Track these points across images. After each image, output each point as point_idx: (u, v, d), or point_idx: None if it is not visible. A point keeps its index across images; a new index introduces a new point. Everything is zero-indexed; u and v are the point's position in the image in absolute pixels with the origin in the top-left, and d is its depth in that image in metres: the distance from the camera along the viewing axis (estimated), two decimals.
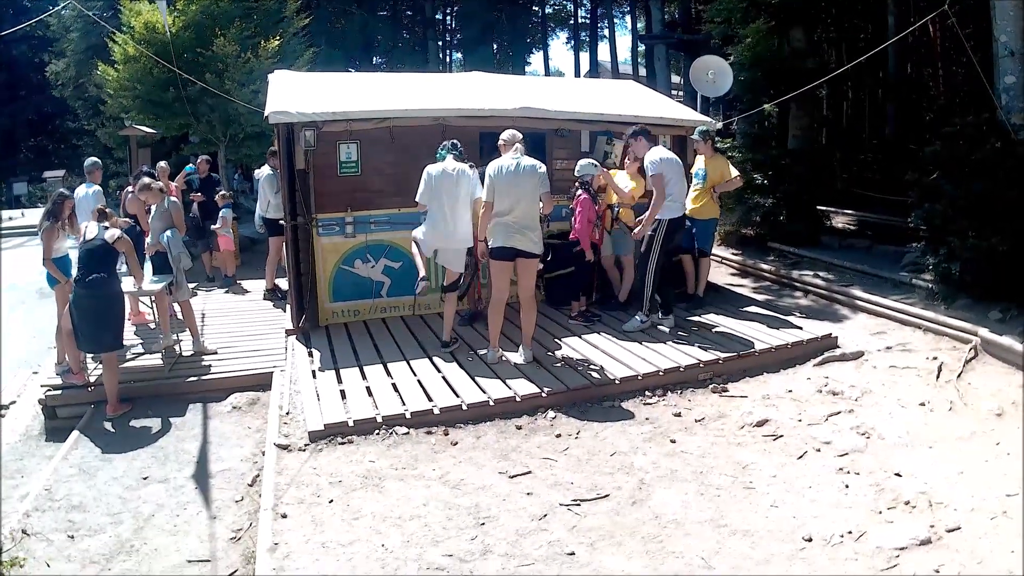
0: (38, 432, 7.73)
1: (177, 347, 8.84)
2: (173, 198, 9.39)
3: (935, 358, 8.01)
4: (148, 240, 9.10)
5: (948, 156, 9.75)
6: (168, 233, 8.82)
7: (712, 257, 13.66)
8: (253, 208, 12.42)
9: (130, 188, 10.30)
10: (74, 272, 7.74)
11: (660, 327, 8.80)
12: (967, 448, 6.06)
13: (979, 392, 7.18)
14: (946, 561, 4.57)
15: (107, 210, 8.19)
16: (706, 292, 10.07)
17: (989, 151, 9.16)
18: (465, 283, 8.68)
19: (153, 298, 8.97)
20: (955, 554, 4.64)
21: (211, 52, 16.83)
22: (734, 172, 9.49)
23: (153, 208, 9.04)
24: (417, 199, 7.82)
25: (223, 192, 12.65)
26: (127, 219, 8.80)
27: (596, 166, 8.80)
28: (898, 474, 5.66)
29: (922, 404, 6.95)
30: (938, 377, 7.57)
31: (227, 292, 12.26)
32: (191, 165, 13.51)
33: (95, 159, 10.46)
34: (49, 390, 7.94)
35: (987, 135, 9.43)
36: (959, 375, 7.56)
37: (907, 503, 5.25)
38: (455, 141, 8.00)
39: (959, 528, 4.91)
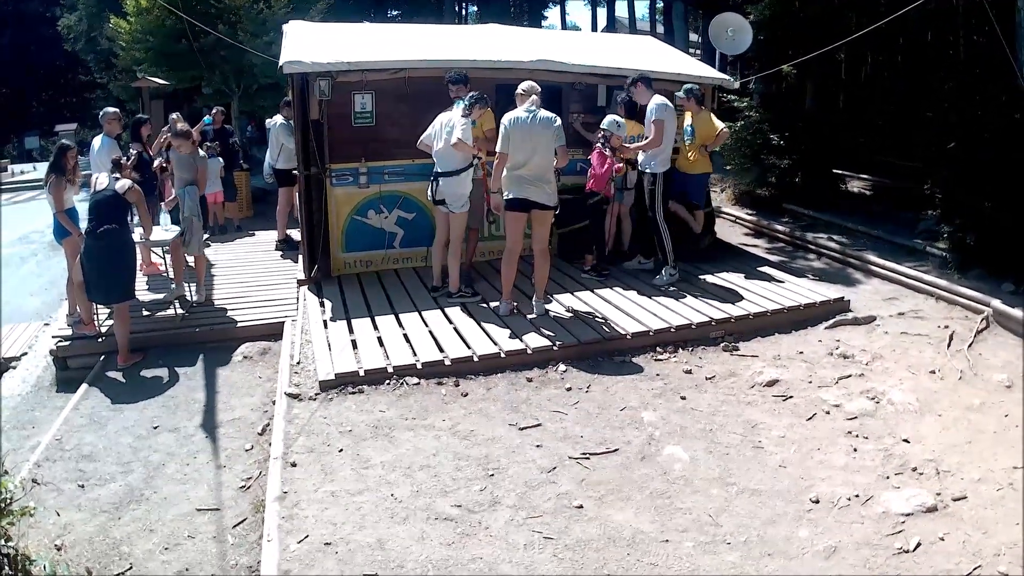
0: (49, 383, 7.78)
1: (189, 296, 8.85)
2: (203, 153, 9.33)
3: (947, 327, 7.97)
4: (173, 189, 9.06)
5: (966, 125, 9.65)
6: (188, 189, 8.80)
7: (726, 216, 13.68)
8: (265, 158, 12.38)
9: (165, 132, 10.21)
10: (84, 223, 7.72)
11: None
12: (976, 418, 6.04)
13: (989, 363, 7.15)
14: (951, 529, 4.58)
15: (122, 160, 8.15)
16: (719, 251, 10.06)
17: (1008, 122, 9.06)
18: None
19: (167, 248, 8.96)
20: (960, 523, 4.66)
21: (224, 2, 16.71)
22: (720, 125, 9.42)
23: (176, 156, 8.96)
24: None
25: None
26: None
27: (620, 125, 8.72)
28: (906, 440, 5.66)
29: (932, 372, 6.93)
30: (949, 346, 7.52)
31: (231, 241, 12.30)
32: (208, 117, 13.44)
33: (111, 108, 10.14)
34: (60, 341, 7.96)
35: (1008, 105, 9.31)
36: (970, 345, 7.52)
37: (914, 470, 5.26)
38: (475, 93, 7.87)
39: (965, 497, 4.91)
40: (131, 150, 9.64)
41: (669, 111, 8.60)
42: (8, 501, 4.05)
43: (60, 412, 6.79)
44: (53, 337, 8.12)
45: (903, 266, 9.80)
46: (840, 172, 14.65)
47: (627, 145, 8.80)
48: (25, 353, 8.54)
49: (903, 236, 11.02)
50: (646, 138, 8.71)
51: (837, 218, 12.47)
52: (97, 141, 9.56)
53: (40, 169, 23.70)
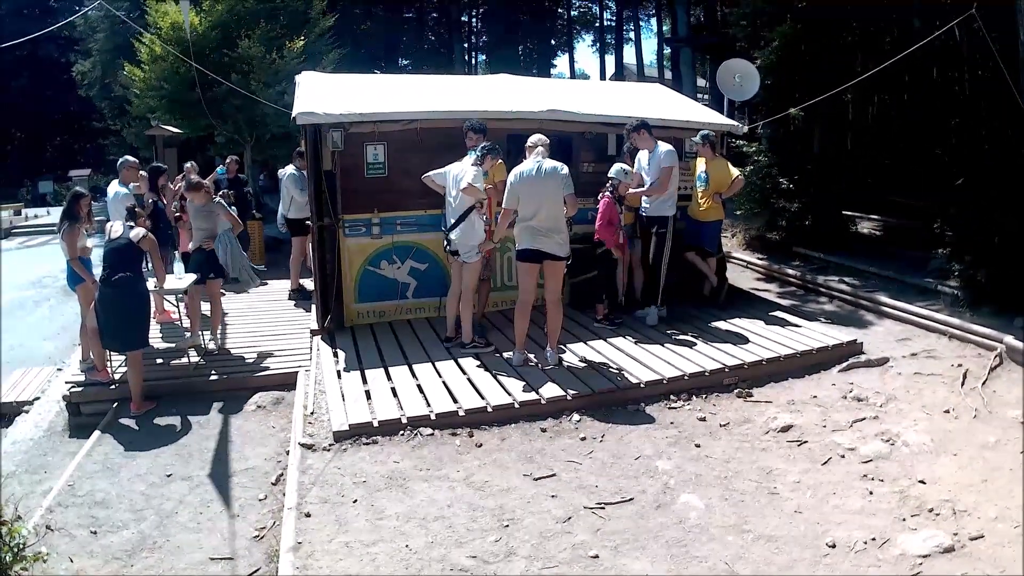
0: (62, 428, 7.79)
1: (203, 344, 8.90)
2: (218, 199, 9.44)
3: (960, 365, 7.97)
4: (193, 241, 9.16)
5: (974, 155, 9.72)
6: (227, 236, 9.07)
7: (737, 262, 13.69)
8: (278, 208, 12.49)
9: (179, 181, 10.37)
10: (99, 271, 7.80)
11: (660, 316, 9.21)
12: (991, 456, 6.02)
13: (1004, 399, 7.13)
14: (969, 569, 4.55)
15: (136, 209, 8.25)
16: (731, 296, 10.09)
17: (1015, 153, 9.12)
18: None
19: (182, 296, 9.03)
20: (978, 562, 4.63)
21: (237, 52, 16.93)
22: (735, 172, 9.52)
23: (192, 207, 9.08)
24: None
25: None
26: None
27: (627, 173, 8.80)
28: (922, 481, 5.64)
29: (947, 411, 6.91)
30: (963, 384, 7.52)
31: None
32: (222, 167, 13.60)
33: (131, 158, 10.26)
34: (73, 387, 8.01)
35: (1013, 140, 9.36)
36: (984, 382, 7.51)
37: (931, 510, 5.22)
38: (486, 144, 7.96)
39: (982, 536, 4.88)
40: (147, 198, 9.77)
41: (675, 158, 8.76)
42: (21, 546, 4.08)
43: (73, 458, 6.82)
44: (66, 383, 8.17)
45: (915, 306, 9.81)
46: (849, 213, 14.68)
47: (633, 190, 8.87)
48: (38, 398, 8.55)
49: (914, 275, 11.04)
50: (647, 182, 8.84)
51: (848, 260, 12.48)
52: (112, 188, 9.65)
53: (53, 213, 23.98)
